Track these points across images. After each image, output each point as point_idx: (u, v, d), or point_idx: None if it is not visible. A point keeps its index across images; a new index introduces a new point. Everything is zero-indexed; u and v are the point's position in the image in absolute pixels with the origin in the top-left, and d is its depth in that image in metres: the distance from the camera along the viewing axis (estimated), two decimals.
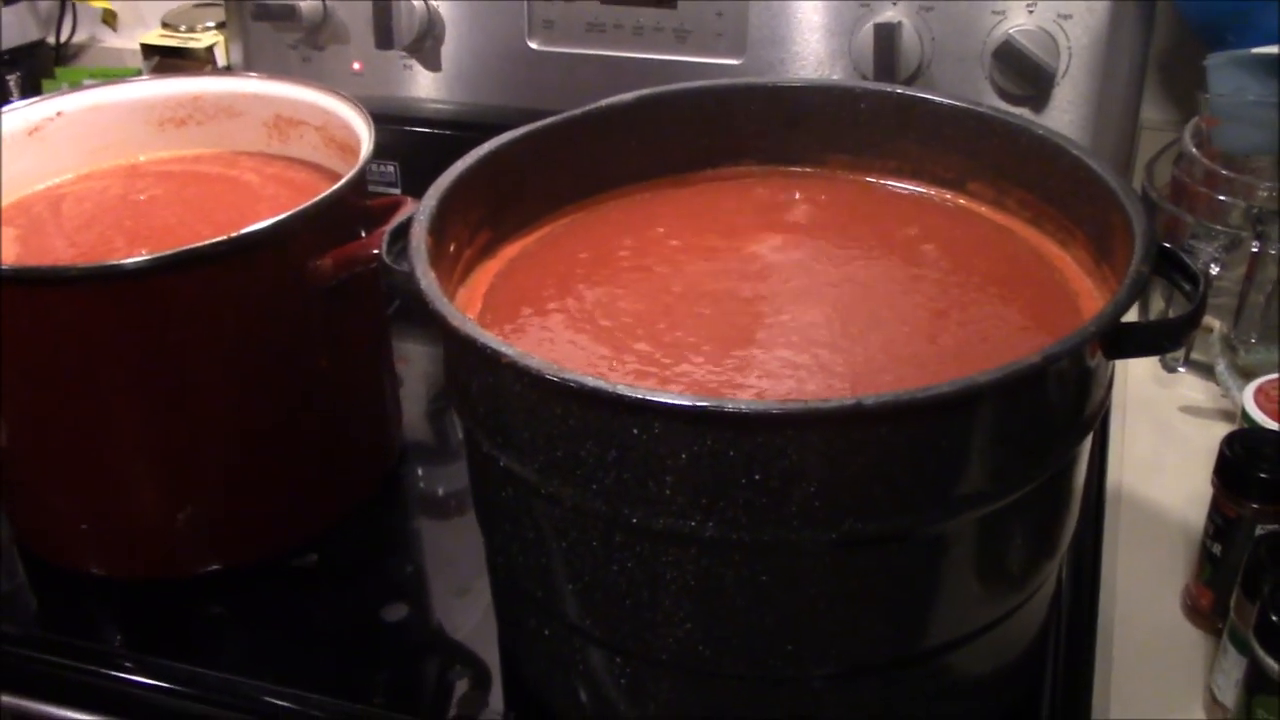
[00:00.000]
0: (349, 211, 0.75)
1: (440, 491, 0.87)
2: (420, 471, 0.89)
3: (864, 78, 0.98)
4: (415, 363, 0.99)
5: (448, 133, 1.10)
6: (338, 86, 0.87)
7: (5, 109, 0.84)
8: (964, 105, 0.73)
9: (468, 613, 0.74)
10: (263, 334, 0.73)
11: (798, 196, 0.76)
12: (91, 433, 0.74)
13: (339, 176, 0.84)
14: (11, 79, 1.24)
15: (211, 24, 1.20)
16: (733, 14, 1.01)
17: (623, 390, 0.49)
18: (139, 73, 1.26)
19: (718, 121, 0.79)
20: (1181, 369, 0.89)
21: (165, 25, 1.21)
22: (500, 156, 0.70)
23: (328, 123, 0.85)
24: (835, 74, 1.01)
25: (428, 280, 0.57)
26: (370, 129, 0.79)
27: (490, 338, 0.52)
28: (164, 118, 0.89)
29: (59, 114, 0.86)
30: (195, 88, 0.88)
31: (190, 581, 0.78)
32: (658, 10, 1.03)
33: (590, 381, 0.50)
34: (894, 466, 0.51)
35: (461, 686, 0.70)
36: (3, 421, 0.75)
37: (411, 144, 1.11)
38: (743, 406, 0.49)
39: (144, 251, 0.76)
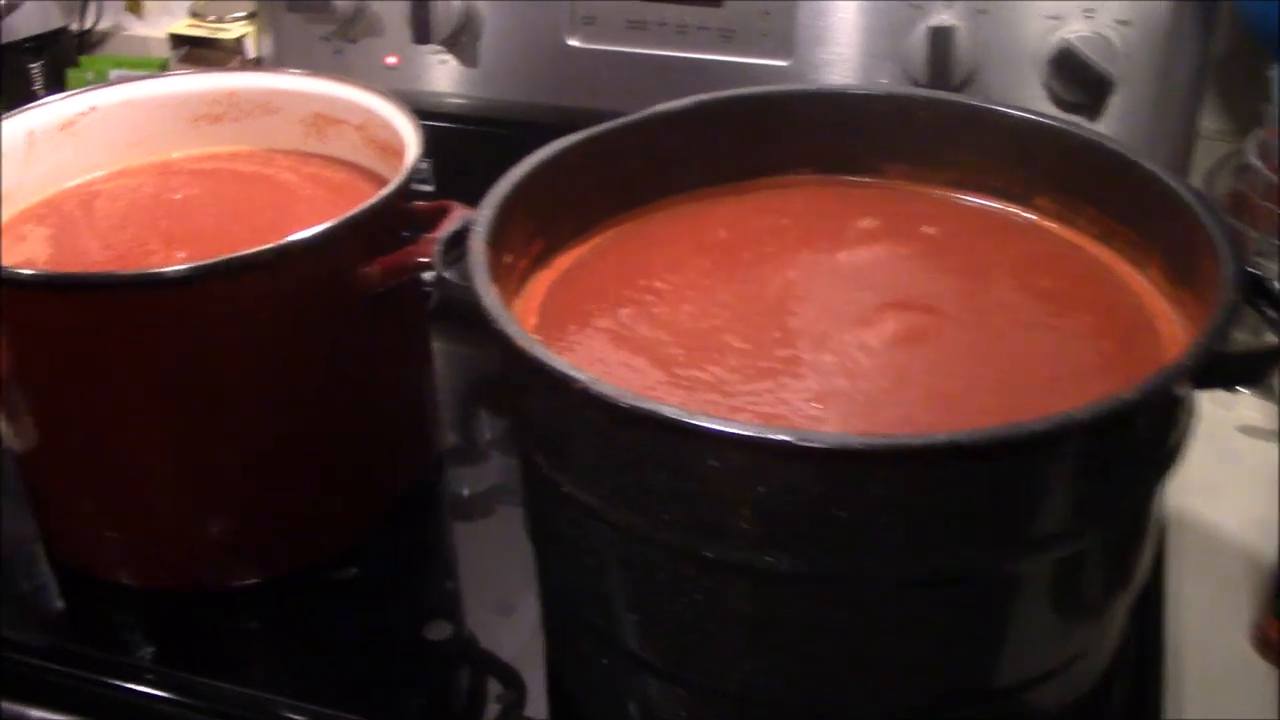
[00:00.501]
0: (394, 217, 0.72)
1: (478, 498, 0.85)
2: (457, 476, 0.87)
3: (915, 82, 0.95)
4: (440, 361, 0.96)
5: (484, 129, 1.08)
6: (371, 80, 0.84)
7: (40, 102, 0.82)
8: (1033, 117, 0.71)
9: (513, 632, 0.72)
10: (304, 342, 0.71)
11: (857, 208, 0.73)
12: (124, 439, 0.72)
13: (378, 177, 0.83)
14: (35, 67, 1.22)
15: (240, 14, 1.17)
16: (780, 14, 0.99)
17: (702, 421, 0.47)
18: (166, 63, 1.24)
19: (774, 128, 0.76)
20: (1241, 389, 0.86)
21: (194, 15, 1.18)
22: (556, 163, 0.67)
23: (368, 122, 0.83)
24: (883, 78, 0.98)
25: (490, 297, 0.55)
26: (418, 132, 0.77)
27: (562, 362, 0.50)
28: (198, 114, 0.87)
29: (92, 109, 0.83)
30: (231, 83, 0.86)
31: (224, 594, 0.76)
32: (702, 8, 1.00)
33: (668, 411, 0.48)
34: (979, 503, 0.49)
35: (504, 709, 0.68)
36: (32, 425, 0.73)
37: (447, 141, 1.08)
38: (829, 441, 0.46)
39: (181, 254, 0.74)
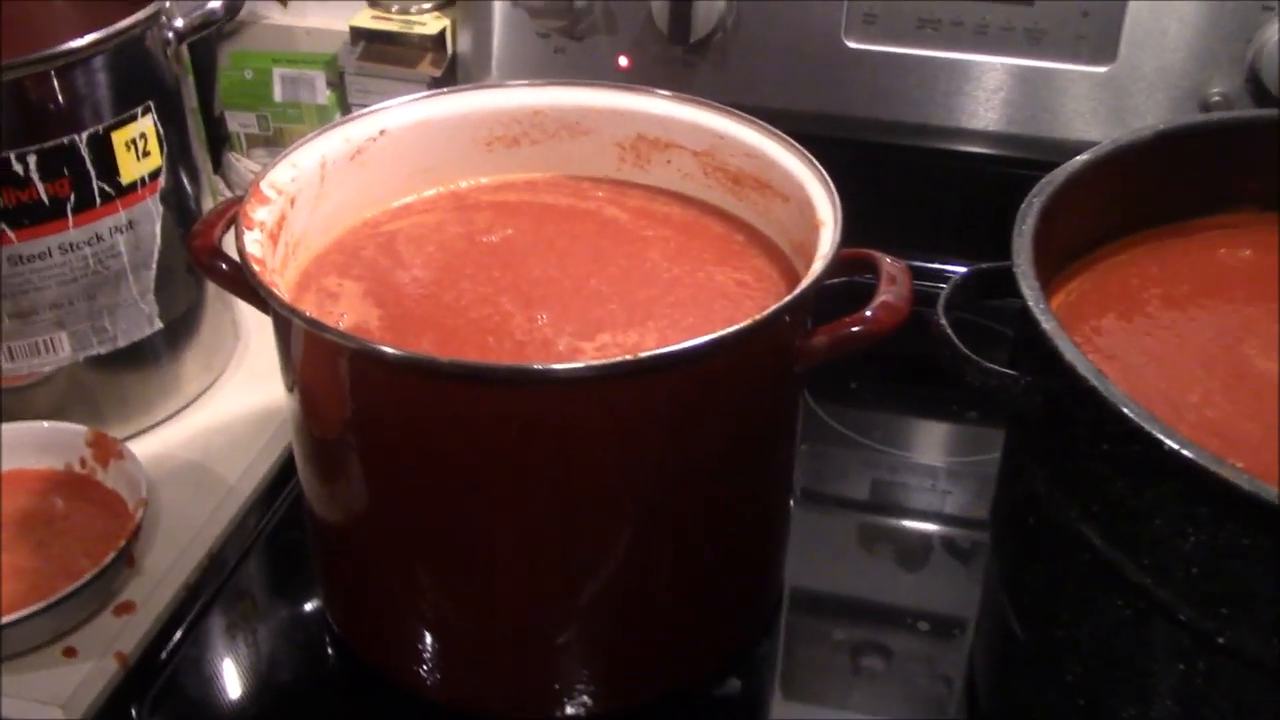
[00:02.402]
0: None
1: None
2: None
3: (1267, 93, 0.84)
4: None
5: None
6: (596, 82, 0.73)
7: (329, 126, 0.68)
8: None
9: None
10: (721, 435, 0.58)
11: None
12: (476, 533, 0.59)
13: (719, 211, 0.72)
14: None
15: (427, 4, 1.03)
16: (1103, 13, 0.87)
17: None
18: (332, 59, 1.09)
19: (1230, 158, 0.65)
20: None
21: (374, 4, 1.04)
22: (1059, 199, 0.57)
23: (716, 148, 0.70)
24: (1218, 88, 0.87)
25: (1106, 385, 0.44)
26: (815, 170, 0.64)
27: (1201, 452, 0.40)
28: (493, 136, 0.73)
29: (382, 132, 0.70)
30: (536, 100, 0.73)
31: None
32: (1010, 5, 0.88)
33: None
34: None
35: None
36: (362, 494, 0.60)
37: None
38: None
39: (542, 318, 0.62)
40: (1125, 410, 0.44)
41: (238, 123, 1.11)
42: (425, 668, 0.65)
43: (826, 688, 0.66)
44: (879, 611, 0.70)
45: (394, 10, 1.03)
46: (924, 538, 0.76)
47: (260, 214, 0.62)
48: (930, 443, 0.86)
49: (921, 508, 0.78)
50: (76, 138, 0.71)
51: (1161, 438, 0.43)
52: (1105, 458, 0.47)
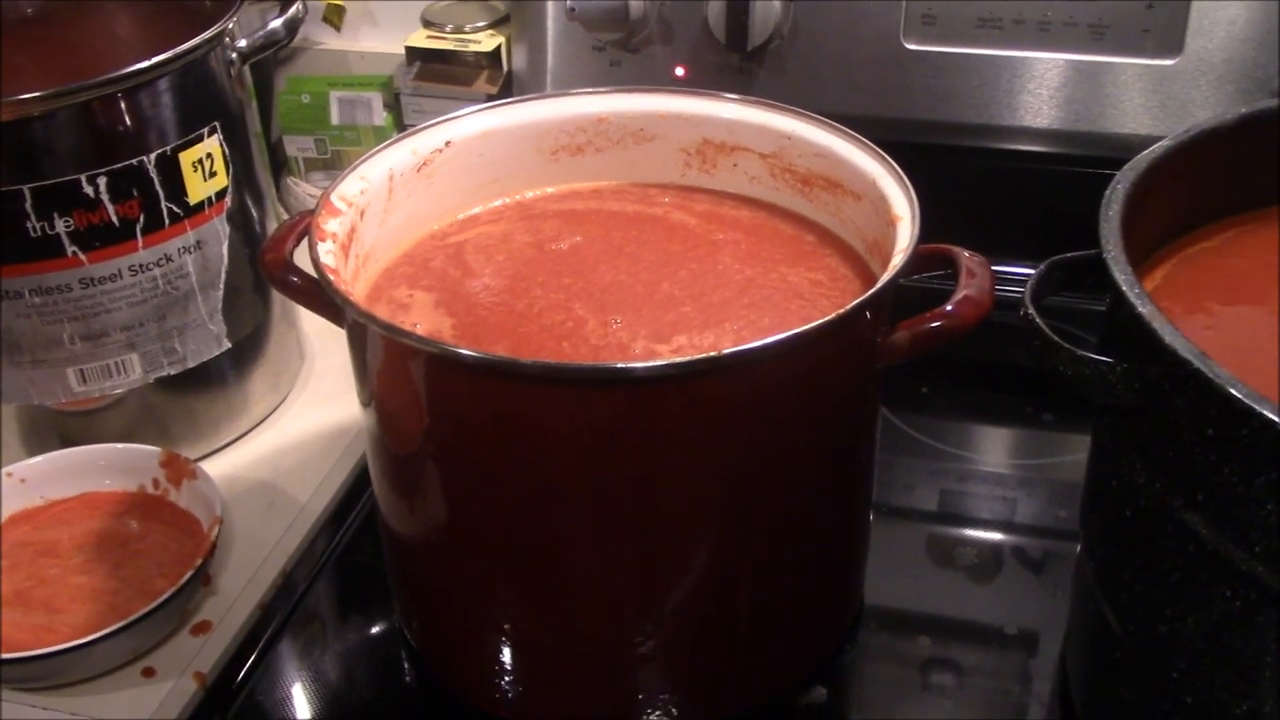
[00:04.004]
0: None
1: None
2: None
3: None
4: None
5: None
6: (660, 87, 0.73)
7: (396, 139, 0.68)
8: None
9: None
10: (805, 435, 0.57)
11: None
12: (558, 543, 0.58)
13: (786, 212, 0.71)
14: None
15: (482, 22, 1.03)
16: (1168, 5, 0.86)
17: None
18: (389, 80, 1.09)
19: None
20: None
21: (428, 24, 1.04)
22: (1143, 185, 0.55)
23: (784, 149, 0.69)
24: None
25: (1211, 367, 0.43)
26: (887, 165, 0.63)
27: None
28: (558, 145, 0.73)
29: (448, 144, 0.70)
30: (600, 107, 0.72)
31: None
32: (1071, 1, 0.87)
33: None
34: None
35: None
36: (441, 508, 0.60)
37: None
38: None
39: (617, 322, 0.61)
40: (1234, 391, 0.43)
41: (296, 147, 1.12)
42: (505, 683, 0.64)
43: (903, 704, 0.65)
44: (953, 626, 0.69)
45: (448, 30, 1.03)
46: (995, 547, 0.75)
47: (331, 225, 0.61)
48: (1000, 446, 0.85)
49: (992, 517, 0.77)
50: (145, 159, 0.71)
51: (1274, 417, 0.41)
52: (1210, 443, 0.46)
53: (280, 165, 1.14)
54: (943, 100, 0.91)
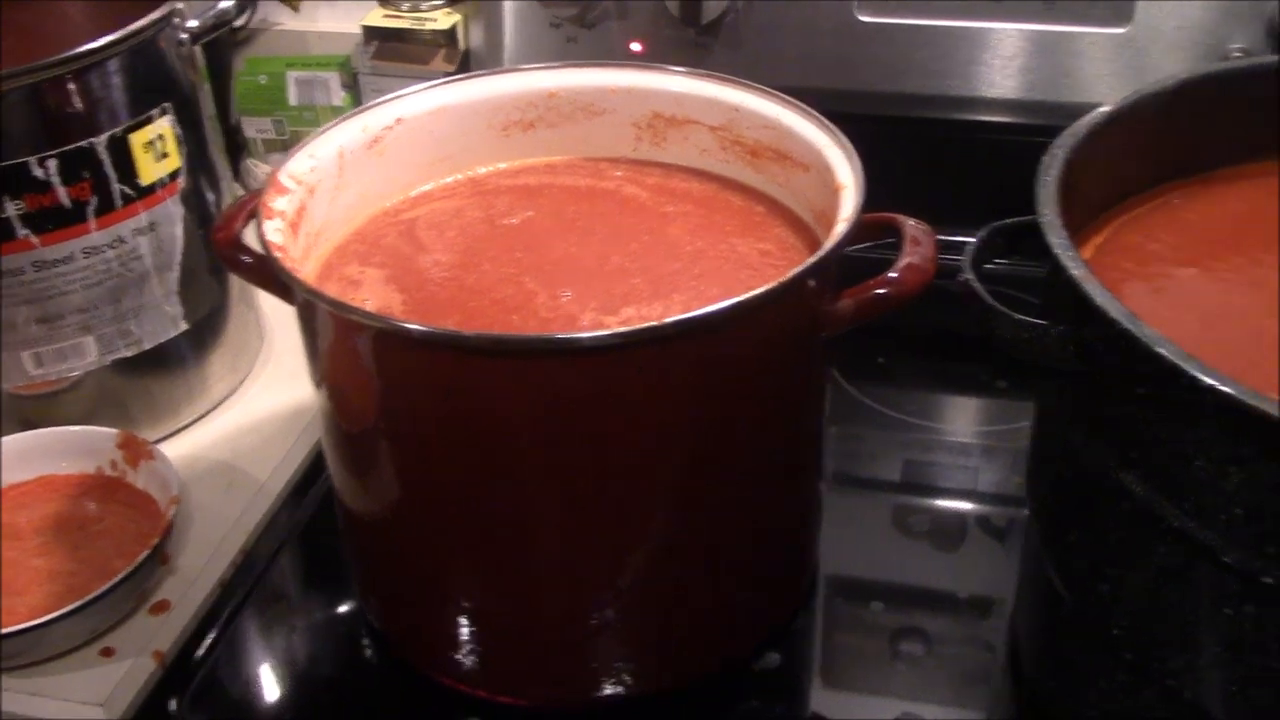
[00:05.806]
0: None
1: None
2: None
3: None
4: None
5: None
6: (610, 62, 0.73)
7: (345, 117, 0.68)
8: None
9: None
10: (749, 403, 0.58)
11: None
12: (510, 515, 0.58)
13: (736, 184, 0.71)
14: None
15: (438, 1, 1.03)
16: None
17: None
18: (346, 60, 1.09)
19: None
20: None
21: (385, 3, 1.04)
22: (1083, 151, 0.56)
23: (733, 121, 0.70)
24: (1239, 43, 0.86)
25: (1139, 326, 0.43)
26: (833, 134, 0.64)
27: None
28: (509, 121, 0.73)
29: (399, 121, 0.70)
30: (551, 82, 0.72)
31: (616, 708, 0.63)
32: None
33: None
34: None
35: None
36: (393, 483, 0.60)
37: None
38: None
39: (566, 295, 0.61)
40: (1161, 350, 0.43)
41: (254, 128, 1.12)
42: (463, 656, 0.64)
43: (866, 672, 0.66)
44: (916, 594, 0.70)
45: (405, 8, 1.03)
46: (957, 515, 0.75)
47: (280, 204, 0.62)
48: (960, 414, 0.85)
49: (954, 485, 0.77)
50: (96, 140, 0.71)
51: (1199, 375, 0.42)
52: (1141, 402, 0.47)
53: (240, 148, 1.14)
54: (899, 72, 0.92)
